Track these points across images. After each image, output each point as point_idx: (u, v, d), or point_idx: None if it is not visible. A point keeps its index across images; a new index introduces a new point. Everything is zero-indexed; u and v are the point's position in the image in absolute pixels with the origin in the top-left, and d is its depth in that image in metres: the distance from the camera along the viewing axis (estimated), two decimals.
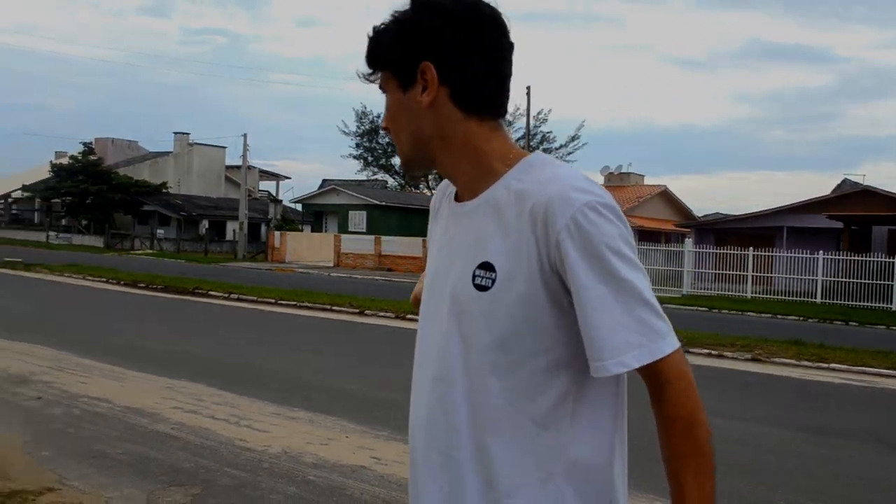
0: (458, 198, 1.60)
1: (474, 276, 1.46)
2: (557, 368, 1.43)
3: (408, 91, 1.51)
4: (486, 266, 1.45)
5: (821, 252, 28.09)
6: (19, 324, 13.30)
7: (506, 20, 1.52)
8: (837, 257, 28.01)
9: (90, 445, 6.34)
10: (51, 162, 61.23)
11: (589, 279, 1.36)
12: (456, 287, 1.50)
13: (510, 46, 1.53)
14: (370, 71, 1.57)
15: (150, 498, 5.20)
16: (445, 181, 1.69)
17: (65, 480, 5.45)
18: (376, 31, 1.54)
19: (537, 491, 1.43)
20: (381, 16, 1.55)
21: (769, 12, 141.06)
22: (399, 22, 1.51)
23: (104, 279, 24.64)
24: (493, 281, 1.44)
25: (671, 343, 1.37)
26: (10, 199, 69.00)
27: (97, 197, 53.83)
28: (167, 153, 65.01)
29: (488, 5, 1.51)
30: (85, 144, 58.61)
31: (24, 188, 62.29)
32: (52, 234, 57.31)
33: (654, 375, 1.38)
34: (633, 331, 1.35)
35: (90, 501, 5.03)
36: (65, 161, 58.45)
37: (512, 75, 1.55)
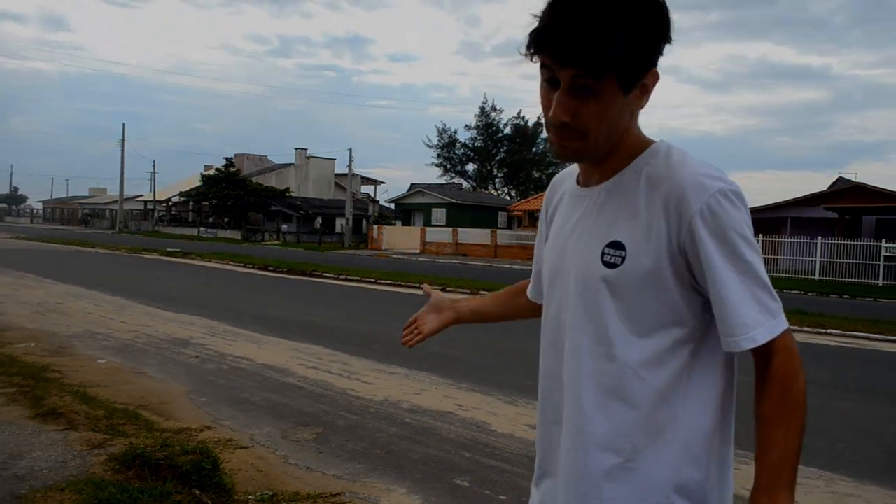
0: (583, 182, 1.40)
1: (603, 254, 1.31)
2: (680, 343, 1.30)
3: (629, 94, 1.25)
4: (616, 245, 1.30)
5: (819, 238, 27.25)
6: (180, 299, 13.64)
7: None
8: (833, 242, 27.12)
9: (236, 394, 6.49)
10: (201, 173, 62.64)
11: (721, 260, 1.24)
12: (585, 265, 1.34)
13: None
14: (592, 68, 1.18)
15: (283, 434, 5.31)
16: (562, 175, 1.55)
17: (218, 421, 5.59)
18: (606, 17, 1.16)
19: (655, 455, 1.29)
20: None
21: (775, 40, 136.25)
22: (640, 15, 1.19)
23: (242, 264, 25.01)
24: (623, 259, 1.29)
25: (783, 322, 1.29)
26: (170, 203, 70.84)
27: (236, 200, 54.84)
28: (290, 164, 65.84)
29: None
30: (227, 159, 59.73)
31: (181, 194, 63.89)
32: (201, 229, 58.66)
33: (765, 348, 1.28)
34: (756, 310, 1.25)
35: (238, 437, 5.13)
36: (212, 172, 59.67)
37: None
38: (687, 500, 1.30)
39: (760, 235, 28.32)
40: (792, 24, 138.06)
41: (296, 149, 65.84)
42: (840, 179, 38.06)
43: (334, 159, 66.32)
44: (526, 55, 1.23)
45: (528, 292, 1.76)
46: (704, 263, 1.25)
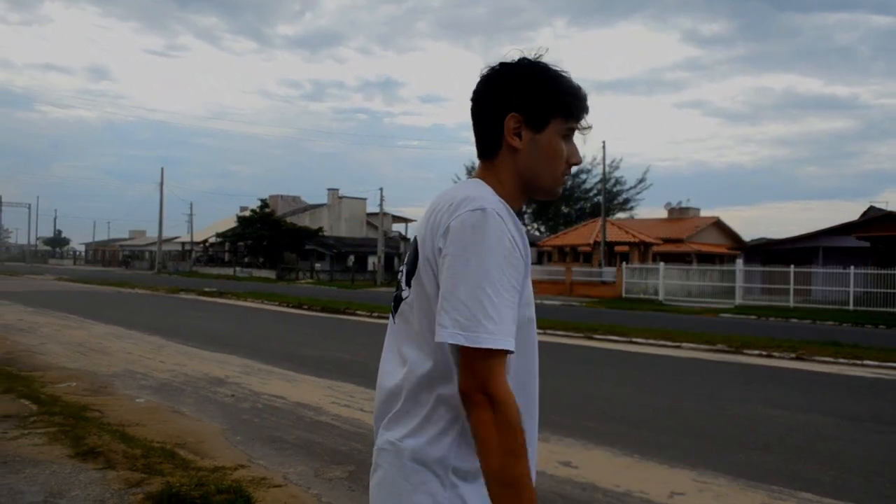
0: None
1: None
2: None
3: None
4: None
5: (852, 267, 26.75)
6: (216, 338, 13.75)
7: None
8: (866, 271, 26.56)
9: (270, 432, 6.49)
10: (237, 214, 63.55)
11: None
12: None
13: None
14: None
15: (316, 473, 5.29)
16: (513, 217, 1.43)
17: (252, 459, 5.59)
18: None
19: None
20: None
21: (801, 71, 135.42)
22: None
23: (276, 303, 25.19)
24: None
25: None
26: (207, 244, 71.82)
27: (270, 240, 55.45)
28: (322, 204, 66.54)
29: None
30: (261, 200, 60.53)
31: (218, 235, 64.71)
32: (237, 269, 59.29)
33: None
34: None
35: (272, 475, 5.12)
36: (247, 213, 60.52)
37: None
38: None
39: (792, 266, 27.92)
40: (818, 55, 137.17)
41: (328, 189, 66.61)
42: (872, 208, 37.44)
43: (366, 199, 66.94)
44: (579, 123, 1.54)
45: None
46: None
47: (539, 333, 1.63)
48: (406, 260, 1.52)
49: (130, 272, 65.81)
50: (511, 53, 1.53)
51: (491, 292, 1.29)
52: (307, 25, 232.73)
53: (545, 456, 5.77)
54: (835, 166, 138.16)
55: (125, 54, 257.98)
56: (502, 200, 1.43)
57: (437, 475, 1.40)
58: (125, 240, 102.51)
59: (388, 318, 1.58)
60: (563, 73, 1.51)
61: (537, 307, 1.60)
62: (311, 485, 5.02)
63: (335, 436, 6.42)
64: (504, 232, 1.34)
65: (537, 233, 62.29)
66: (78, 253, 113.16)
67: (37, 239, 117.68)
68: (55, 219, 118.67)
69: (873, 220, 31.02)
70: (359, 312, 21.05)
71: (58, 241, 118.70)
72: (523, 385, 1.46)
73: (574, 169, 1.57)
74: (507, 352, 1.30)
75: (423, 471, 1.41)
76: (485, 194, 1.41)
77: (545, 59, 1.53)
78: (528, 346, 1.48)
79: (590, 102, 1.55)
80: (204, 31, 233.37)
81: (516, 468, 1.25)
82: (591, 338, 15.32)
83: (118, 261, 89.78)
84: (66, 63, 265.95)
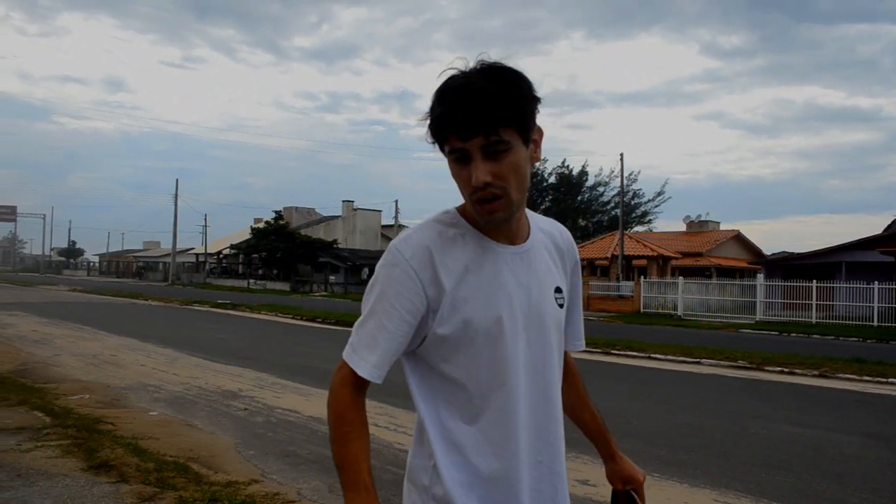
0: (508, 241, 1.50)
1: (556, 299, 1.57)
2: None
3: (526, 148, 1.40)
4: (559, 290, 1.58)
5: (876, 282, 26.46)
6: (229, 351, 13.79)
7: None
8: (891, 287, 26.24)
9: (284, 447, 6.48)
10: (251, 226, 63.85)
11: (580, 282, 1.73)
12: (545, 308, 1.53)
13: None
14: (494, 129, 1.34)
15: (330, 489, 5.27)
16: (427, 243, 1.45)
17: (266, 474, 5.58)
18: (491, 91, 1.33)
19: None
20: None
21: (823, 83, 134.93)
22: (516, 85, 1.36)
23: (290, 315, 25.23)
24: (564, 299, 1.60)
25: None
26: (221, 256, 72.17)
27: (284, 252, 55.67)
28: (337, 217, 66.77)
29: None
30: (276, 212, 60.82)
31: (232, 247, 65.10)
32: (251, 281, 59.53)
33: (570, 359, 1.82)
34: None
35: (285, 491, 5.11)
36: (261, 225, 60.80)
37: None
38: None
39: (814, 281, 27.65)
40: (840, 67, 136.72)
41: (343, 201, 66.86)
42: (895, 222, 37.06)
43: (381, 211, 67.21)
44: (433, 143, 1.42)
45: (375, 376, 1.54)
46: (575, 286, 1.69)
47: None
48: None
49: (144, 284, 66.20)
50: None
51: (361, 321, 1.56)
52: (324, 37, 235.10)
53: None
54: (858, 179, 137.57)
55: (142, 66, 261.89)
56: (440, 223, 1.50)
57: (423, 499, 1.48)
58: (139, 251, 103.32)
59: None
60: (449, 91, 1.37)
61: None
62: (325, 500, 5.00)
63: None
64: (386, 264, 1.48)
65: None
66: (92, 264, 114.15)
67: (51, 250, 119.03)
68: (70, 230, 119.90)
69: None
70: None
71: (72, 252, 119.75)
72: (486, 395, 1.47)
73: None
74: (350, 366, 1.58)
75: (415, 492, 1.51)
76: (410, 230, 1.50)
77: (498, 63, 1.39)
78: (479, 359, 1.46)
79: (458, 111, 1.34)
80: (221, 43, 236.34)
81: (336, 456, 1.45)
82: (608, 353, 15.24)
83: (132, 272, 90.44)
84: (84, 74, 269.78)
